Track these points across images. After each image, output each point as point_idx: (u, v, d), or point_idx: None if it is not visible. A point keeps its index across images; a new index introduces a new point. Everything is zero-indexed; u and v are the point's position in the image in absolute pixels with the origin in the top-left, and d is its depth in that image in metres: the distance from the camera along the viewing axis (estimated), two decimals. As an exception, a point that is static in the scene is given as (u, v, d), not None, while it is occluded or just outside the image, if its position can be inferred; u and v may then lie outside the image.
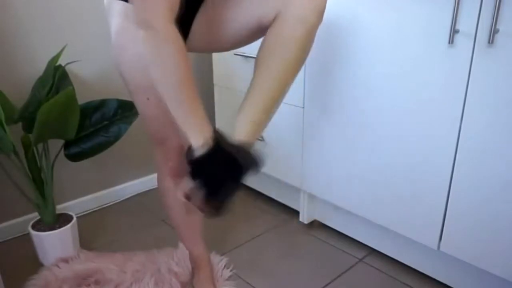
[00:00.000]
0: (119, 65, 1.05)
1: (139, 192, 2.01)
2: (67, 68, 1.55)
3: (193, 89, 0.85)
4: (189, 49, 1.12)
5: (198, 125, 0.86)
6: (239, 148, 0.87)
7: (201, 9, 1.02)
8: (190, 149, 0.86)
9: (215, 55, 1.88)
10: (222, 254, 1.54)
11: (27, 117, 1.39)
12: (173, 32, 0.81)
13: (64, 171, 1.76)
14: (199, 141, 0.85)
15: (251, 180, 1.98)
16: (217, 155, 0.85)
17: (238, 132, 0.89)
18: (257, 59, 0.91)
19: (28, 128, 1.40)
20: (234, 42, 1.01)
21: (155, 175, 2.03)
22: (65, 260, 1.48)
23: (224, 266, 1.47)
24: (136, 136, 1.90)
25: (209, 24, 1.00)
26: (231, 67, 1.80)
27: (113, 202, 1.93)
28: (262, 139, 1.75)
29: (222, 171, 0.86)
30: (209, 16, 1.00)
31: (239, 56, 1.74)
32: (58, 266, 1.45)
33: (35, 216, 1.56)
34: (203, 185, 0.87)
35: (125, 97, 1.60)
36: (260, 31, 0.93)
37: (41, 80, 1.45)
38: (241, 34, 0.97)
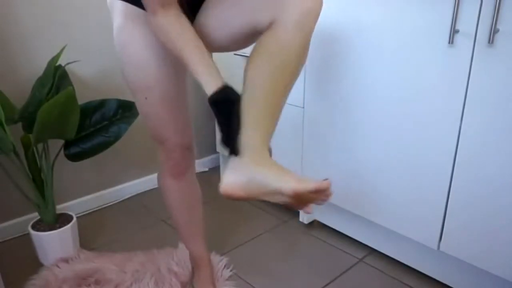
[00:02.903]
0: (121, 64, 1.06)
1: (139, 192, 2.02)
2: (67, 68, 1.55)
3: (204, 50, 0.93)
4: None
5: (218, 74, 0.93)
6: None
7: (200, 9, 1.02)
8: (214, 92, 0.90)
9: (215, 55, 1.88)
10: (222, 254, 1.54)
11: (27, 117, 1.39)
12: (172, 15, 0.89)
13: (64, 171, 1.76)
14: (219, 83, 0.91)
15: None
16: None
17: (251, 143, 0.86)
18: (253, 64, 0.90)
19: (28, 128, 1.40)
20: (230, 45, 1.01)
21: (155, 175, 2.04)
22: (65, 260, 1.48)
23: (224, 266, 1.47)
24: (136, 136, 1.90)
25: (206, 26, 1.00)
26: (231, 67, 1.80)
27: (113, 202, 1.93)
28: (262, 139, 1.75)
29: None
30: (207, 18, 1.00)
31: (239, 56, 1.74)
32: (58, 266, 1.45)
33: (35, 216, 1.56)
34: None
35: (125, 97, 1.60)
36: (255, 35, 0.92)
37: (41, 80, 1.45)
38: (236, 38, 0.97)
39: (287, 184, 0.75)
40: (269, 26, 0.87)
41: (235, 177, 0.82)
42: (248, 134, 0.85)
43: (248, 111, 0.88)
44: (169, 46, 0.91)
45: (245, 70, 0.92)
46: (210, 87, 0.90)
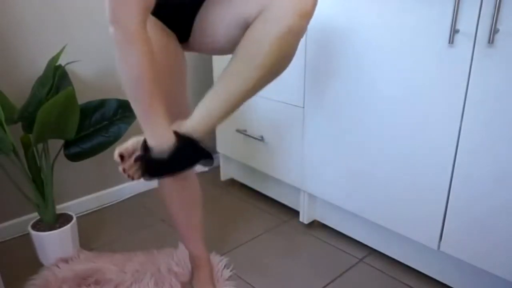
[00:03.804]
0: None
1: (139, 192, 2.02)
2: (67, 68, 1.55)
3: (150, 92, 0.90)
4: (191, 49, 1.12)
5: (152, 126, 0.93)
6: (192, 143, 0.95)
7: (199, 10, 1.02)
8: (144, 143, 0.96)
9: (216, 58, 1.88)
10: (222, 254, 1.54)
11: (27, 117, 1.39)
12: (141, 34, 0.86)
13: (64, 171, 1.76)
14: (151, 141, 0.94)
15: (251, 180, 1.98)
16: (168, 156, 0.94)
17: (191, 117, 0.96)
18: (232, 55, 0.91)
19: (28, 128, 1.40)
20: (228, 44, 1.00)
21: (155, 175, 2.04)
22: (65, 260, 1.48)
23: (224, 266, 1.47)
24: (136, 136, 1.90)
25: (204, 25, 1.01)
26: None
27: (113, 202, 1.93)
28: (261, 139, 1.75)
29: (172, 164, 0.95)
30: (204, 18, 1.00)
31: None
32: (58, 266, 1.45)
33: (35, 216, 1.57)
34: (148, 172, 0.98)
35: (125, 97, 1.60)
36: None
37: (41, 80, 1.45)
38: (232, 35, 0.96)
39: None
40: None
41: None
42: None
43: (205, 98, 0.95)
44: (132, 71, 0.89)
45: None
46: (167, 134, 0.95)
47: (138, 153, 0.96)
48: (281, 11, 0.81)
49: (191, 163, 0.97)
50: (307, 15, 0.82)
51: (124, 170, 0.96)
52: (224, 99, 0.91)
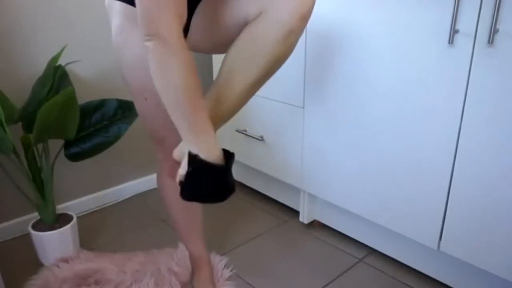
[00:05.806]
0: (120, 65, 1.06)
1: (139, 192, 2.02)
2: (67, 68, 1.55)
3: (199, 103, 0.85)
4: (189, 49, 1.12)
5: (199, 134, 0.86)
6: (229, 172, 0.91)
7: (197, 9, 1.02)
8: (192, 155, 0.88)
9: (215, 57, 1.88)
10: (222, 254, 1.54)
11: (27, 117, 1.39)
12: (183, 43, 0.82)
13: (64, 171, 1.76)
14: (199, 151, 0.86)
15: (251, 180, 1.98)
16: (212, 171, 0.88)
17: None
18: (228, 54, 0.91)
19: (28, 128, 1.40)
20: (225, 43, 1.00)
21: (155, 175, 2.04)
22: (65, 260, 1.48)
23: (224, 266, 1.47)
24: (136, 136, 1.90)
25: (203, 25, 1.01)
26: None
27: (113, 202, 1.93)
28: (261, 139, 1.75)
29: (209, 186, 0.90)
30: (203, 17, 1.00)
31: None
32: (58, 266, 1.45)
33: (35, 216, 1.57)
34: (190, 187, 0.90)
35: (125, 97, 1.60)
36: None
37: (41, 80, 1.45)
38: (230, 34, 0.97)
39: None
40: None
41: None
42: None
43: (209, 94, 0.93)
44: (169, 83, 0.82)
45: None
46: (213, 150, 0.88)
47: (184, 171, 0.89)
48: (282, 14, 0.82)
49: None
50: (306, 17, 0.84)
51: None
52: (225, 99, 0.91)
